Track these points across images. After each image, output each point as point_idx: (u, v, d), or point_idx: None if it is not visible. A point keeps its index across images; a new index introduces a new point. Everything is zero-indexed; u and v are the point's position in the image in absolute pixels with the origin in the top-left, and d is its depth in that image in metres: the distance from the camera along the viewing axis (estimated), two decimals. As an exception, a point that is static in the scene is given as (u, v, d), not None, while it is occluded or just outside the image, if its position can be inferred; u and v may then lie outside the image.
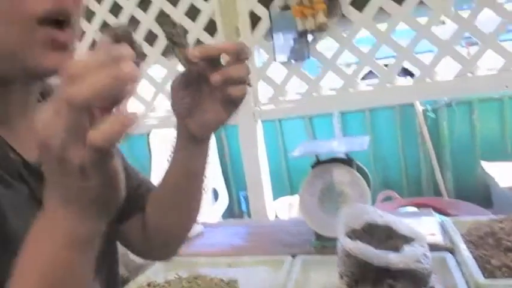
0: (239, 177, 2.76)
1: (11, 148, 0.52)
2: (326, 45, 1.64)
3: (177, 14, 1.72)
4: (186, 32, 0.53)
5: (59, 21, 0.49)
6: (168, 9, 1.74)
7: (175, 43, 0.54)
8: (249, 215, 1.86)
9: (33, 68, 0.49)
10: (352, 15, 1.53)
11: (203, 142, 0.64)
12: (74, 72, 0.35)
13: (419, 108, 2.66)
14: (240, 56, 0.55)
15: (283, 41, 1.61)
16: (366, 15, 1.52)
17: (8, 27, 0.47)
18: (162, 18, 0.53)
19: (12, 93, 0.53)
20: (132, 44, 0.43)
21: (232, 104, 0.59)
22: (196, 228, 1.42)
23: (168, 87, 2.06)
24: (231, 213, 2.90)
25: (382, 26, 1.55)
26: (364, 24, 1.54)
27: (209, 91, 0.58)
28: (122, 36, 0.44)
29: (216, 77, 0.54)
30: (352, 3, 1.52)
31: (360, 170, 1.15)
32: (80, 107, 0.34)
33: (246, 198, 2.24)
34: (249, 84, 0.56)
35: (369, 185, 1.11)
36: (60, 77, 0.35)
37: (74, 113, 0.35)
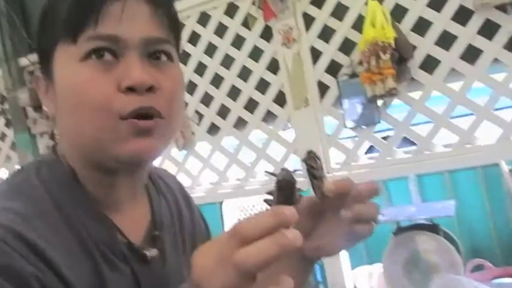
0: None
1: (118, 230, 0.56)
2: (397, 105, 1.62)
3: (248, 88, 1.82)
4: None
5: (149, 114, 0.51)
6: (240, 84, 1.84)
7: (315, 176, 0.56)
8: (326, 286, 1.78)
9: (119, 155, 0.51)
10: (422, 78, 1.52)
11: (311, 264, 0.65)
12: (244, 233, 0.37)
13: (505, 167, 2.47)
14: (371, 196, 0.57)
15: (353, 107, 1.62)
16: (436, 77, 1.49)
17: (95, 124, 0.50)
18: (307, 153, 0.55)
19: (119, 180, 0.57)
20: (294, 192, 0.47)
21: (355, 239, 0.59)
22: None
23: (240, 156, 2.05)
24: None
25: (454, 85, 1.51)
26: (435, 86, 1.51)
27: (334, 221, 0.59)
28: (285, 185, 0.47)
29: (348, 214, 0.56)
30: (422, 66, 1.51)
31: (446, 236, 1.07)
32: (245, 272, 0.36)
33: (322, 268, 2.15)
34: (375, 223, 0.58)
35: (458, 253, 1.03)
36: (229, 232, 0.38)
37: (238, 276, 0.36)
